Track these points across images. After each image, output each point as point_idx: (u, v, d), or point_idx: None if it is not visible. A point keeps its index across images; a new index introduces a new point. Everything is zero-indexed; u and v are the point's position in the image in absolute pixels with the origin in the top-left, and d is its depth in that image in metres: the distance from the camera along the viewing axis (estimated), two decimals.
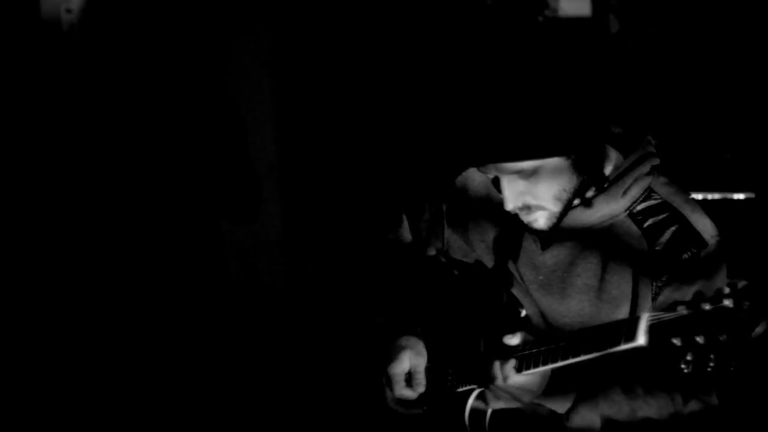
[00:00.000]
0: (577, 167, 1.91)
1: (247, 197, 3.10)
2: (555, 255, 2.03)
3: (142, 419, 2.99)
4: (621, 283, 1.96)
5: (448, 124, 1.96)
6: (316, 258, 4.36)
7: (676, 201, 1.97)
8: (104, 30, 2.91)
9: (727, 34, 4.08)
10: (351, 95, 4.45)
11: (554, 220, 1.96)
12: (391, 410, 2.21)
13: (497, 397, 1.96)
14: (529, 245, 2.07)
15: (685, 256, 1.91)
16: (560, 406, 1.96)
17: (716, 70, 4.08)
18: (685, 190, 2.03)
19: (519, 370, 1.88)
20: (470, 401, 2.08)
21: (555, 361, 1.81)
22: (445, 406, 2.12)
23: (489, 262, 2.15)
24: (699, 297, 1.56)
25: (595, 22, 4.41)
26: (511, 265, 2.10)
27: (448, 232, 2.24)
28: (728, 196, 3.74)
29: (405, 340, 2.18)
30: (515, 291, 2.10)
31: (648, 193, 1.98)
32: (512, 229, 2.09)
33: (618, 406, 1.93)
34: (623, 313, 1.96)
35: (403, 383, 2.14)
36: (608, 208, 1.97)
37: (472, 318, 2.14)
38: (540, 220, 1.96)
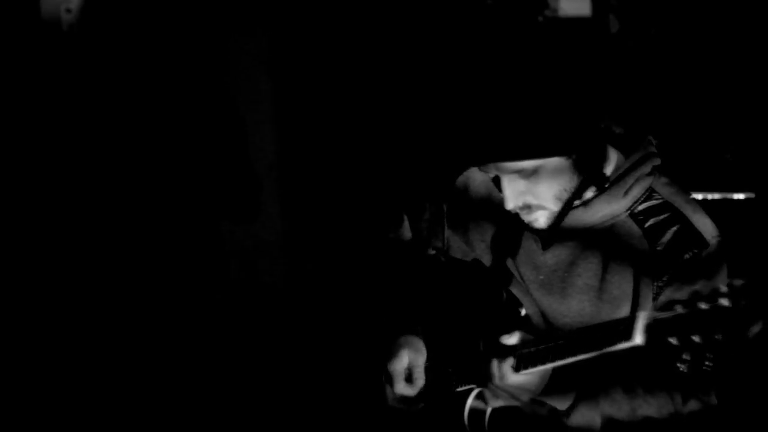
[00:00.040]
0: (578, 167, 1.92)
1: (247, 197, 3.11)
2: (556, 255, 2.03)
3: (142, 419, 2.99)
4: (622, 283, 1.96)
5: (449, 124, 1.96)
6: (316, 258, 4.36)
7: (677, 201, 1.97)
8: (104, 30, 2.91)
9: (727, 34, 4.08)
10: (351, 95, 4.45)
11: (555, 220, 1.96)
12: (392, 409, 2.20)
13: (496, 396, 1.96)
14: (530, 245, 2.07)
15: (687, 256, 1.91)
16: (561, 404, 1.96)
17: (716, 70, 4.08)
18: (686, 190, 2.03)
19: (517, 369, 1.88)
20: (469, 401, 2.08)
21: (553, 360, 1.82)
22: (444, 406, 2.12)
23: (489, 261, 2.16)
24: (695, 296, 1.56)
25: (595, 22, 4.41)
26: (511, 265, 2.10)
27: (448, 232, 2.24)
28: (728, 196, 3.74)
29: (404, 339, 2.18)
30: (515, 291, 2.10)
31: (649, 193, 1.99)
32: (512, 229, 2.09)
33: (618, 405, 1.93)
34: (624, 313, 1.96)
35: (402, 380, 2.14)
36: (609, 208, 1.97)
37: (471, 318, 2.14)
38: (540, 219, 1.96)
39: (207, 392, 3.10)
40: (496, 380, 1.90)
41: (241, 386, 3.57)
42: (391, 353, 2.16)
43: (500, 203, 2.05)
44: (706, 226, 1.95)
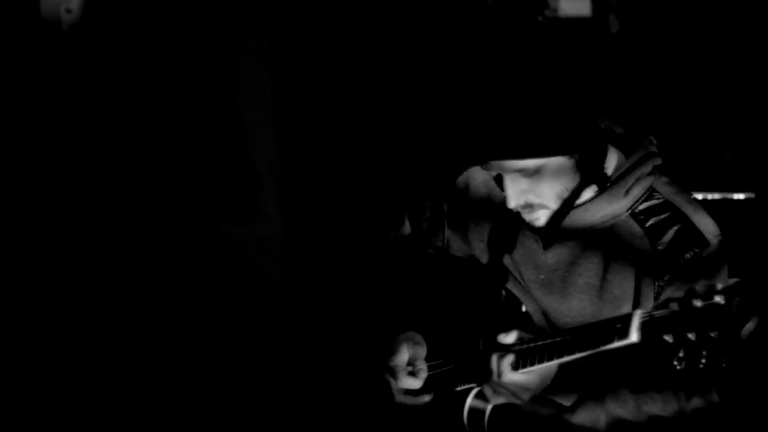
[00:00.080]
0: (580, 167, 1.92)
1: (247, 197, 3.11)
2: (556, 254, 2.04)
3: (142, 419, 2.99)
4: (623, 282, 1.97)
5: (453, 122, 1.97)
6: (316, 258, 4.36)
7: (678, 200, 1.98)
8: (104, 30, 2.91)
9: (727, 34, 4.08)
10: (351, 95, 4.45)
11: (555, 219, 1.96)
12: (398, 405, 2.20)
13: (497, 393, 1.96)
14: (531, 245, 2.07)
15: (688, 255, 1.92)
16: (566, 400, 1.96)
17: (716, 70, 4.08)
18: (687, 189, 2.03)
19: (516, 367, 1.88)
20: (469, 400, 2.08)
21: (551, 359, 1.82)
22: (443, 405, 2.12)
23: (489, 261, 2.16)
24: (691, 294, 1.56)
25: (595, 22, 4.41)
26: (511, 265, 2.10)
27: (448, 232, 2.25)
28: (728, 196, 3.74)
29: (403, 334, 2.19)
30: (516, 290, 2.10)
31: (650, 192, 1.99)
32: (513, 229, 2.09)
33: (623, 402, 1.94)
34: (625, 312, 1.95)
35: (405, 373, 2.14)
36: (610, 208, 1.97)
37: (471, 317, 2.14)
38: (541, 218, 1.96)
39: (207, 392, 3.10)
40: (496, 377, 1.89)
41: (241, 386, 3.57)
42: (392, 349, 2.17)
43: (500, 203, 2.06)
44: (707, 226, 1.95)
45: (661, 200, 1.98)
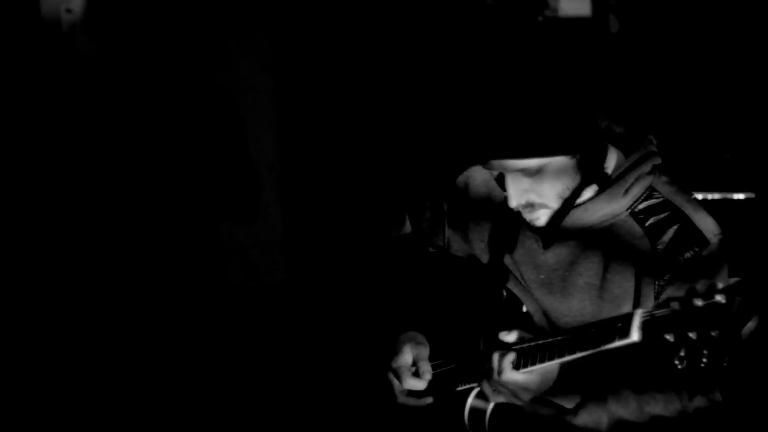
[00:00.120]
0: (581, 166, 1.93)
1: (247, 197, 3.11)
2: (557, 254, 2.03)
3: (142, 419, 2.99)
4: (623, 282, 1.97)
5: (455, 122, 1.97)
6: (316, 258, 4.36)
7: (678, 200, 1.98)
8: (104, 30, 2.91)
9: (727, 34, 4.08)
10: (352, 95, 4.45)
11: (556, 219, 1.96)
12: (400, 406, 2.20)
13: (497, 392, 1.95)
14: (531, 244, 2.07)
15: (688, 254, 1.91)
16: (568, 402, 1.96)
17: (716, 70, 4.08)
18: (687, 189, 2.03)
19: (517, 367, 1.88)
20: (470, 400, 2.08)
21: (552, 358, 1.82)
22: (444, 405, 2.12)
23: (489, 261, 2.16)
24: (692, 293, 1.56)
25: (595, 22, 4.41)
26: (512, 265, 2.10)
27: (449, 231, 2.25)
28: (728, 196, 3.74)
29: (405, 335, 2.18)
30: (516, 290, 2.10)
31: (649, 192, 1.99)
32: (513, 229, 2.09)
33: (625, 403, 1.93)
34: (625, 312, 1.95)
35: (409, 374, 2.14)
36: (610, 208, 1.97)
37: (472, 317, 2.14)
38: (542, 218, 1.96)
39: (207, 392, 3.10)
40: (496, 376, 1.89)
41: (241, 386, 3.57)
42: (395, 350, 2.16)
43: (500, 203, 2.06)
44: (707, 225, 1.95)
45: (661, 199, 1.98)
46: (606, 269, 1.98)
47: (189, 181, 2.96)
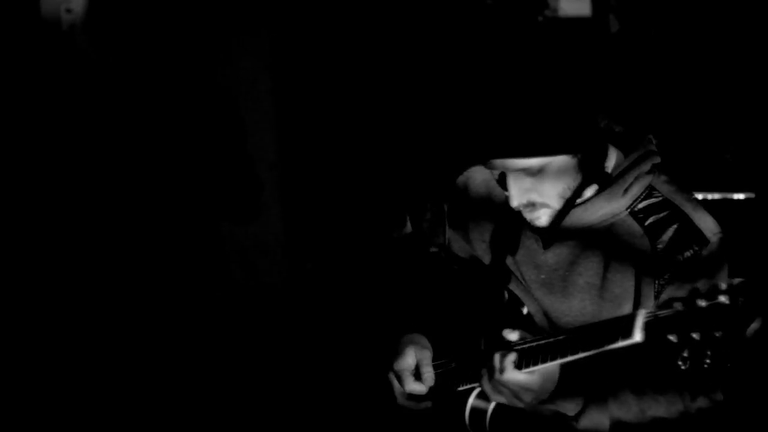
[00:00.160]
0: (582, 166, 1.93)
1: (247, 197, 3.11)
2: (557, 254, 2.04)
3: (142, 418, 2.99)
4: (623, 281, 1.97)
5: (457, 122, 1.97)
6: (315, 258, 4.36)
7: (678, 199, 1.98)
8: (104, 30, 2.91)
9: (727, 34, 4.08)
10: (352, 95, 4.45)
11: (556, 218, 1.96)
12: (400, 408, 2.20)
13: (497, 393, 1.95)
14: (531, 244, 2.07)
15: (687, 254, 1.92)
16: (570, 409, 1.96)
17: (716, 70, 4.08)
18: (687, 188, 2.03)
19: (519, 367, 1.87)
20: (471, 400, 2.08)
21: (553, 358, 1.81)
22: (445, 405, 2.12)
23: (490, 261, 2.16)
24: (695, 293, 1.56)
25: (595, 22, 4.41)
26: (512, 265, 2.10)
27: (449, 232, 2.25)
28: (728, 196, 3.74)
29: (408, 337, 2.18)
30: (517, 290, 2.10)
31: (649, 191, 1.99)
32: (513, 229, 2.09)
33: (627, 407, 1.93)
34: (626, 311, 1.96)
35: (411, 378, 2.13)
36: (609, 207, 1.97)
37: (473, 317, 2.14)
38: (543, 218, 1.96)
39: (207, 391, 3.10)
40: (498, 375, 1.88)
41: (241, 386, 3.57)
42: (397, 352, 2.16)
43: (500, 203, 2.06)
44: (706, 224, 1.95)
45: (661, 198, 1.98)
46: (606, 269, 1.98)
47: (189, 181, 2.96)
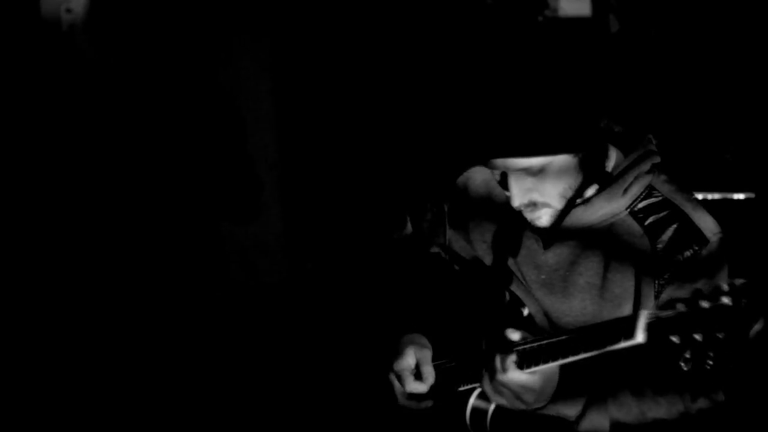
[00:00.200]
0: (583, 165, 1.93)
1: (247, 197, 3.11)
2: (557, 254, 2.04)
3: (142, 418, 2.99)
4: (623, 281, 1.97)
5: (458, 122, 1.97)
6: (315, 258, 4.35)
7: (678, 198, 1.98)
8: (104, 30, 2.91)
9: (727, 34, 4.08)
10: (353, 96, 4.45)
11: (557, 218, 1.96)
12: (401, 408, 2.19)
13: (499, 394, 1.94)
14: (531, 245, 2.07)
15: (687, 253, 1.92)
16: (570, 411, 1.95)
17: (716, 70, 4.08)
18: (686, 188, 2.03)
19: (520, 367, 1.87)
20: (471, 400, 2.07)
21: (555, 359, 1.81)
22: (446, 405, 2.12)
23: (490, 261, 2.16)
24: (697, 295, 1.56)
25: (595, 22, 4.41)
26: (512, 265, 2.10)
27: (450, 232, 2.25)
28: (728, 196, 3.74)
29: (408, 337, 2.18)
30: (517, 290, 2.10)
31: (649, 191, 1.99)
32: (513, 229, 2.09)
33: (627, 409, 1.93)
34: (626, 311, 1.96)
35: (411, 378, 2.13)
36: (609, 207, 1.97)
37: (474, 317, 2.14)
38: (544, 217, 1.96)
39: (207, 391, 3.10)
40: (500, 375, 1.88)
41: (240, 386, 3.57)
42: (397, 352, 2.16)
43: (500, 203, 2.06)
44: (706, 223, 1.95)
45: (660, 198, 1.98)
46: (606, 269, 1.99)
47: (189, 181, 2.96)
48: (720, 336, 1.51)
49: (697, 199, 2.01)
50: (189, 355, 3.03)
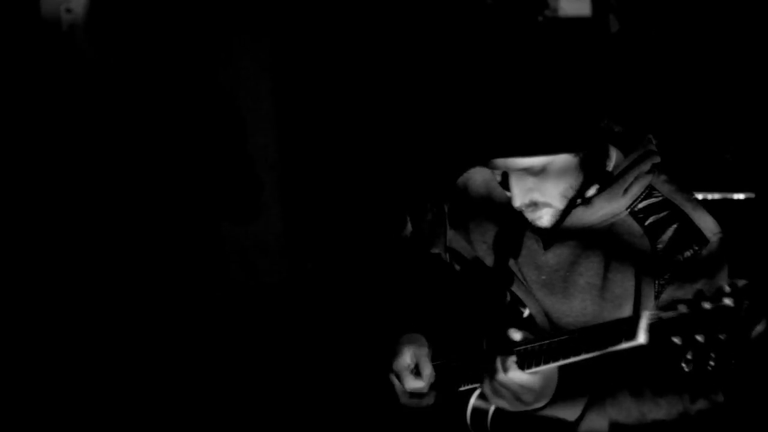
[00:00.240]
0: (584, 165, 1.93)
1: (247, 197, 3.11)
2: (557, 254, 2.04)
3: (142, 418, 2.99)
4: (623, 281, 1.97)
5: (459, 122, 1.97)
6: (315, 258, 4.35)
7: (678, 199, 1.98)
8: (104, 30, 2.91)
9: (727, 34, 4.09)
10: (353, 96, 4.45)
11: (558, 218, 1.97)
12: (402, 407, 2.19)
13: (498, 395, 1.94)
14: (531, 245, 2.07)
15: (687, 254, 1.92)
16: (569, 414, 1.95)
17: (716, 70, 4.09)
18: (687, 188, 2.03)
19: (521, 367, 1.87)
20: (472, 400, 2.07)
21: (556, 359, 1.81)
22: (446, 405, 2.12)
23: (491, 262, 2.16)
24: (699, 296, 1.56)
25: (595, 22, 4.41)
26: (513, 265, 2.10)
27: (450, 232, 2.25)
28: (728, 196, 3.74)
29: (405, 336, 2.18)
30: (518, 291, 2.10)
31: (649, 191, 1.99)
32: (513, 229, 2.09)
33: (627, 411, 1.93)
34: (626, 311, 1.96)
35: (411, 376, 2.13)
36: (609, 207, 1.98)
37: (474, 318, 2.14)
38: (545, 217, 1.96)
39: (207, 391, 3.10)
40: (501, 375, 1.88)
41: (240, 386, 3.57)
42: (395, 352, 2.16)
43: (501, 203, 2.07)
44: (706, 224, 1.95)
45: (661, 198, 1.99)
46: (607, 269, 1.99)
47: (189, 181, 2.96)
48: (722, 337, 1.51)
49: (697, 199, 2.01)
50: (189, 354, 3.03)
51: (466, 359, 2.10)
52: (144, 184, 2.91)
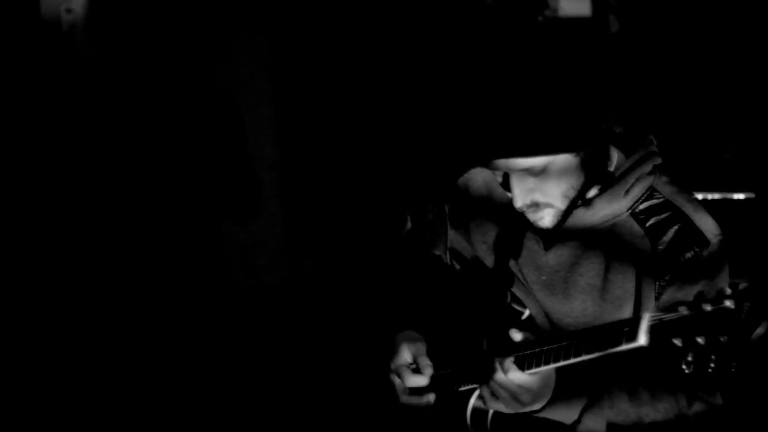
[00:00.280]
0: (585, 165, 1.93)
1: (247, 197, 3.11)
2: (558, 255, 2.04)
3: (142, 418, 2.99)
4: (624, 282, 1.97)
5: (460, 123, 1.97)
6: (315, 257, 4.36)
7: (679, 200, 1.98)
8: (104, 30, 2.91)
9: (727, 34, 4.09)
10: (353, 96, 4.45)
11: (559, 219, 1.96)
12: (402, 407, 2.19)
13: (497, 396, 1.94)
14: (532, 246, 2.07)
15: (688, 255, 1.92)
16: (566, 417, 1.95)
17: (716, 70, 4.09)
18: (687, 189, 2.03)
19: (521, 368, 1.87)
20: (472, 400, 2.07)
21: (556, 360, 1.81)
22: (447, 406, 2.12)
23: (491, 262, 2.16)
24: (700, 298, 1.56)
25: (595, 22, 4.41)
26: (513, 266, 2.10)
27: (451, 233, 2.25)
28: (728, 196, 3.74)
29: (401, 334, 2.19)
30: (518, 291, 2.10)
31: (650, 192, 1.99)
32: (514, 230, 2.09)
33: (625, 414, 1.93)
34: (627, 313, 1.96)
35: (410, 372, 2.13)
36: (610, 208, 1.98)
37: (474, 318, 2.14)
38: (546, 218, 1.96)
39: (207, 390, 3.10)
40: (501, 375, 1.88)
41: (241, 385, 3.57)
42: (393, 351, 2.16)
43: (501, 204, 2.07)
44: (707, 225, 1.95)
45: (662, 200, 1.99)
46: (607, 270, 1.99)
47: (189, 181, 2.96)
48: (722, 339, 1.51)
49: (698, 201, 2.01)
50: (189, 354, 3.03)
51: (466, 359, 2.10)
52: (144, 184, 2.91)
